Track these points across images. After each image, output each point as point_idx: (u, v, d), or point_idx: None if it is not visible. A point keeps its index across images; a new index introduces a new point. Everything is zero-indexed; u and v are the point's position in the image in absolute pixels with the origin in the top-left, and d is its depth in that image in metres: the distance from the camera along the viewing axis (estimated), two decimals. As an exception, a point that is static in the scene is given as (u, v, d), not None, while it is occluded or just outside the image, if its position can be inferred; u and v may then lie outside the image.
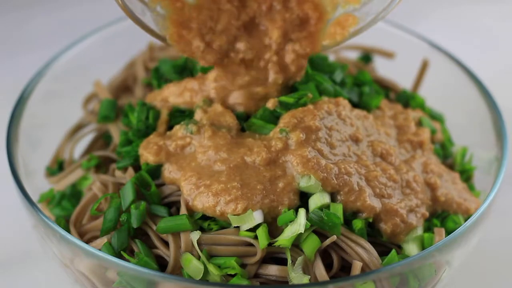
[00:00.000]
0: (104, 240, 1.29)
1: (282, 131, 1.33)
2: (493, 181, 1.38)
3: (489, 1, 2.20)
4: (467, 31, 2.12)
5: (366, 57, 1.64)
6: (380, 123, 1.42)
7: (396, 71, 1.60)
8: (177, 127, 1.37)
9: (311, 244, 1.26)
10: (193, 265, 1.26)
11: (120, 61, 1.60)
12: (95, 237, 1.33)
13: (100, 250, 1.27)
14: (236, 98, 1.39)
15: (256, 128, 1.36)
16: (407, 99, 1.53)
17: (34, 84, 1.51)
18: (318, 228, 1.27)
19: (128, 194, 1.31)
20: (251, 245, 1.27)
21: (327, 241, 1.26)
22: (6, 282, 1.54)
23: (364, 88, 1.48)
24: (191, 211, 1.29)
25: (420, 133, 1.43)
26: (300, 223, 1.26)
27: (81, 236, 1.35)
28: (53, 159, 1.52)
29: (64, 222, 1.38)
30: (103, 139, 1.50)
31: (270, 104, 1.37)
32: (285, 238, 1.25)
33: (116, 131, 1.45)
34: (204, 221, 1.29)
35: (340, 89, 1.43)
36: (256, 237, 1.26)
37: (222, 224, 1.29)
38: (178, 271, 1.27)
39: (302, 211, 1.27)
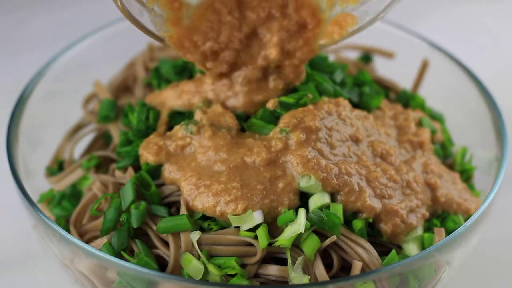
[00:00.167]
0: (104, 240, 1.29)
1: (282, 131, 1.33)
2: (493, 181, 1.38)
3: (489, 0, 2.20)
4: (467, 31, 2.12)
5: (366, 57, 1.63)
6: (380, 124, 1.42)
7: (396, 71, 1.60)
8: (177, 127, 1.37)
9: (311, 244, 1.26)
10: (193, 265, 1.26)
11: (120, 61, 1.60)
12: (95, 237, 1.33)
13: (100, 250, 1.27)
14: (235, 102, 1.39)
15: (256, 128, 1.36)
16: (407, 99, 1.53)
17: (34, 84, 1.50)
18: (318, 228, 1.27)
19: (128, 194, 1.31)
20: (251, 245, 1.27)
21: (327, 241, 1.26)
22: (6, 282, 1.54)
23: (364, 88, 1.47)
24: (191, 211, 1.29)
25: (420, 133, 1.43)
26: (300, 223, 1.25)
27: (81, 236, 1.35)
28: (53, 159, 1.52)
29: (64, 222, 1.38)
30: (103, 139, 1.50)
31: (270, 104, 1.37)
32: (285, 238, 1.25)
33: (116, 131, 1.45)
34: (204, 221, 1.29)
35: (340, 89, 1.43)
36: (256, 237, 1.26)
37: (222, 224, 1.29)
38: (178, 271, 1.27)
39: (302, 211, 1.27)
